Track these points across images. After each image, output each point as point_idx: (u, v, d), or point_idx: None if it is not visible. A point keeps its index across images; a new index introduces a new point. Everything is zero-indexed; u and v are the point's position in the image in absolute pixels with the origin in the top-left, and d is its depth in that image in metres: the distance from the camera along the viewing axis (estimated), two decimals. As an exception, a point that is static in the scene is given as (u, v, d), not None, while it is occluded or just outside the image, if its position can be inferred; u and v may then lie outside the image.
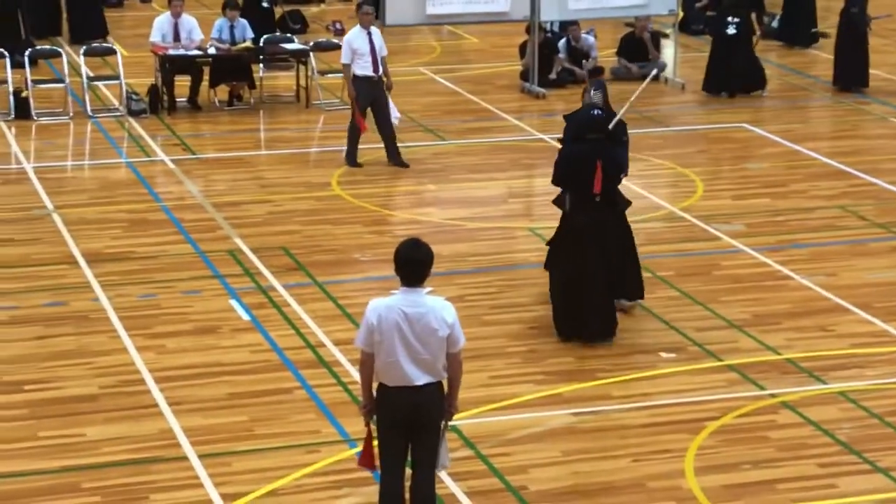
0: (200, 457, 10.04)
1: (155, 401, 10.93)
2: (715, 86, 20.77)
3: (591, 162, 11.81)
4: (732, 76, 20.67)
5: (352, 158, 17.08)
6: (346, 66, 17.10)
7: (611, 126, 12.00)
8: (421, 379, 8.40)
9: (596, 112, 12.05)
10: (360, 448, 9.01)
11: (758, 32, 21.76)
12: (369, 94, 17.01)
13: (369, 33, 17.07)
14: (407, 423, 8.50)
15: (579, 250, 12.01)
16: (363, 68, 16.98)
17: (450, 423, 8.69)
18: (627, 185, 16.23)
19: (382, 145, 17.27)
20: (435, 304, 8.41)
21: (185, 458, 10.04)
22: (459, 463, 9.77)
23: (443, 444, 8.64)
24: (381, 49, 17.17)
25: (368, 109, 17.05)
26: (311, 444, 10.25)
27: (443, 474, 9.12)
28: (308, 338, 12.15)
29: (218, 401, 10.96)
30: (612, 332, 12.12)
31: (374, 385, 8.57)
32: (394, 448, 8.58)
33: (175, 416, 10.65)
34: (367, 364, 8.50)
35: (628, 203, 12.45)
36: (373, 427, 8.63)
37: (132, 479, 9.75)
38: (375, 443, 8.65)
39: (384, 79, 17.16)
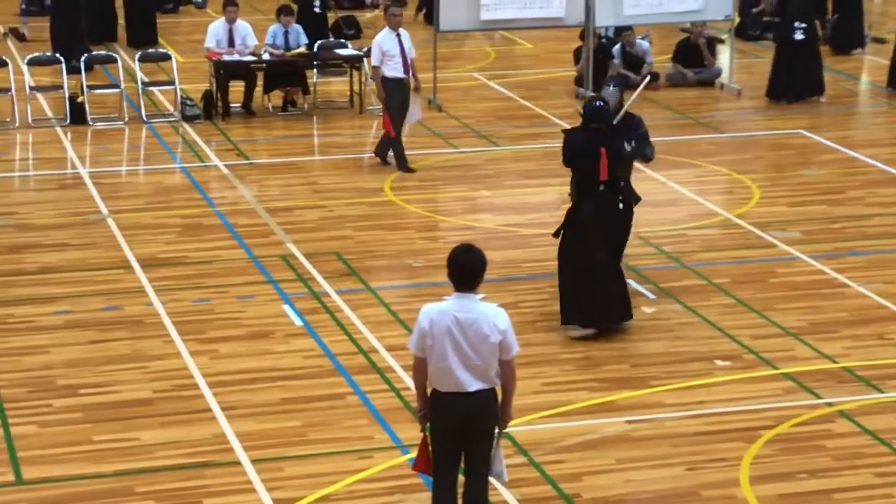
0: (253, 461, 10.05)
1: (208, 405, 10.95)
2: (778, 92, 20.59)
3: (594, 150, 11.99)
4: (798, 82, 20.48)
5: (403, 164, 17.08)
6: (376, 69, 17.12)
7: (615, 121, 12.30)
8: (473, 385, 8.38)
9: (598, 104, 12.21)
10: (414, 453, 8.97)
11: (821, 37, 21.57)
12: (399, 96, 17.03)
13: (398, 35, 17.06)
14: (459, 430, 8.47)
15: (585, 240, 12.13)
16: (393, 70, 16.98)
17: (504, 431, 8.64)
18: (682, 191, 16.17)
19: (435, 150, 17.21)
20: (487, 311, 8.39)
21: (238, 463, 10.05)
22: (513, 470, 9.71)
23: (497, 453, 8.60)
24: (410, 50, 17.18)
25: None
26: (364, 450, 10.23)
27: (496, 482, 9.07)
28: (360, 343, 12.14)
29: (271, 406, 10.96)
30: (630, 312, 12.33)
31: (430, 390, 8.56)
32: (446, 454, 8.55)
33: (228, 421, 10.66)
34: (419, 369, 8.49)
35: (638, 199, 12.76)
36: (427, 432, 8.61)
37: (186, 483, 9.77)
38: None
39: (412, 80, 17.18)
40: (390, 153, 17.24)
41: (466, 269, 8.37)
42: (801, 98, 20.50)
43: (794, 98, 20.48)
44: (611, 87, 13.04)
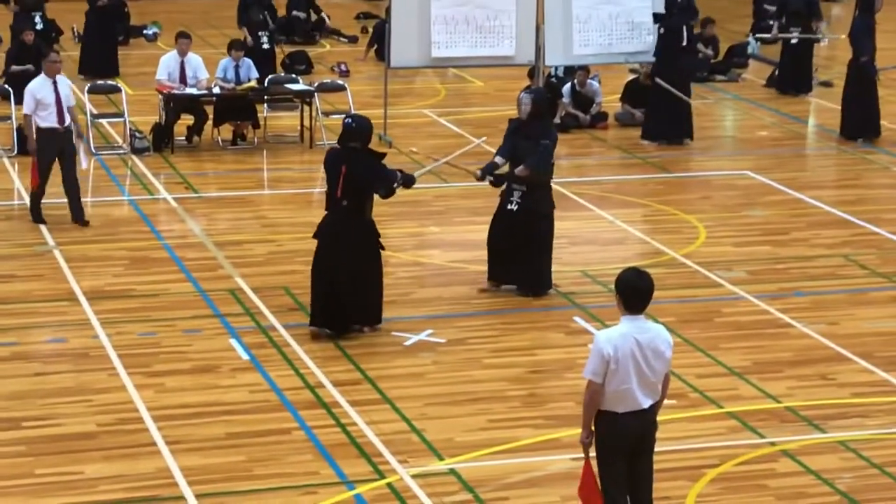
0: (198, 496, 10.00)
1: (153, 439, 10.90)
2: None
3: (337, 167, 12.71)
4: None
5: (37, 215, 16.35)
6: (28, 117, 16.19)
7: (417, 175, 13.57)
8: (647, 402, 8.67)
9: (347, 121, 12.86)
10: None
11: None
12: (55, 148, 16.17)
13: (55, 82, 16.19)
14: (632, 449, 8.71)
15: (322, 247, 12.88)
16: (47, 120, 16.11)
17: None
18: (629, 229, 16.26)
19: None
20: (658, 328, 8.73)
21: (182, 498, 10.00)
22: (457, 507, 9.74)
23: None
24: (69, 98, 16.28)
25: (55, 163, 16.22)
26: (309, 486, 10.21)
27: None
28: (307, 378, 12.13)
29: (216, 440, 10.92)
30: (367, 324, 13.04)
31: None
32: (621, 473, 8.75)
33: (173, 455, 10.61)
34: (597, 394, 8.65)
35: (552, 206, 14.13)
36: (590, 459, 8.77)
37: (129, 517, 9.72)
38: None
39: (72, 129, 16.31)
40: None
41: (641, 293, 8.63)
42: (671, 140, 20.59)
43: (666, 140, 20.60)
44: (522, 95, 14.00)
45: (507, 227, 13.99)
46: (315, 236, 13.05)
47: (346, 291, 12.80)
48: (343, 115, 20.05)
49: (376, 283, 13.05)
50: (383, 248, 13.17)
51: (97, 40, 24.32)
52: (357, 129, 12.79)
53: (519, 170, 13.86)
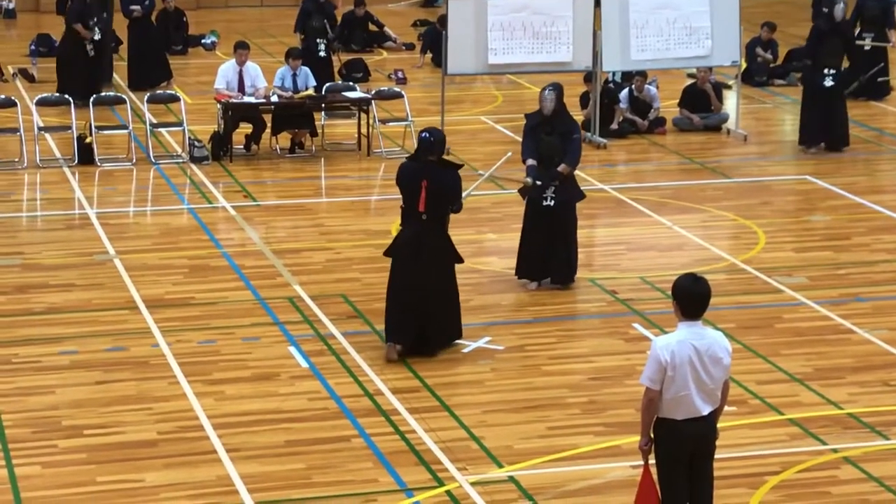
0: (257, 504, 10.05)
1: (213, 447, 10.94)
2: (810, 139, 20.41)
3: (416, 181, 12.58)
4: (828, 130, 20.30)
5: None
6: None
7: (463, 197, 12.92)
8: (706, 409, 8.64)
9: (425, 135, 12.70)
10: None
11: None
12: None
13: None
14: (691, 454, 8.69)
15: (401, 263, 12.69)
16: None
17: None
18: (688, 235, 16.19)
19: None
20: (715, 335, 8.71)
21: (242, 505, 10.05)
22: (517, 514, 9.72)
23: None
24: None
25: None
26: (368, 493, 10.22)
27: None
28: (366, 386, 12.14)
29: (275, 448, 10.96)
30: (448, 340, 12.86)
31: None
32: (681, 480, 8.72)
33: (233, 463, 10.66)
34: (655, 401, 8.64)
35: (581, 196, 14.51)
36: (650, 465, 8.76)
37: (189, 525, 9.77)
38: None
39: None
40: None
41: (698, 298, 8.64)
42: (831, 148, 20.28)
43: (825, 146, 20.27)
44: (546, 92, 14.35)
45: (546, 223, 14.27)
46: (388, 253, 12.87)
47: (431, 308, 12.62)
48: (402, 123, 20.37)
49: (456, 297, 12.92)
50: (462, 261, 13.04)
51: (140, 52, 24.38)
52: (435, 142, 12.66)
53: (562, 167, 14.25)
